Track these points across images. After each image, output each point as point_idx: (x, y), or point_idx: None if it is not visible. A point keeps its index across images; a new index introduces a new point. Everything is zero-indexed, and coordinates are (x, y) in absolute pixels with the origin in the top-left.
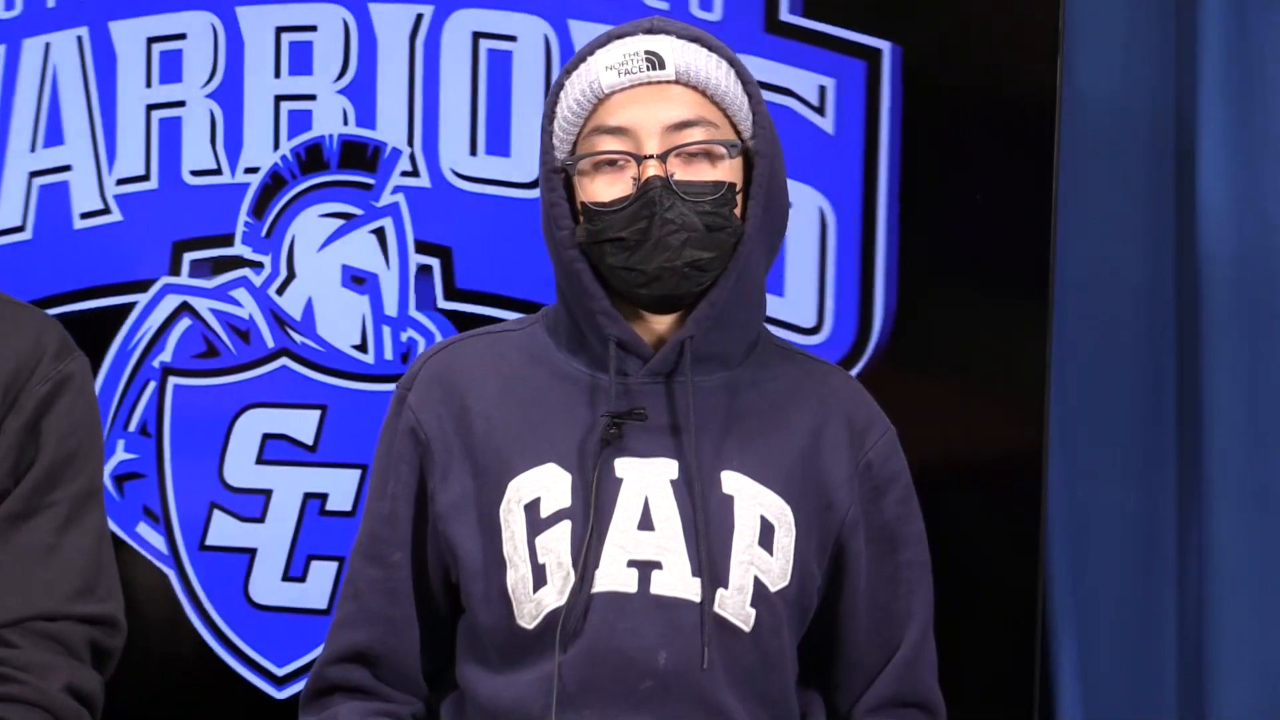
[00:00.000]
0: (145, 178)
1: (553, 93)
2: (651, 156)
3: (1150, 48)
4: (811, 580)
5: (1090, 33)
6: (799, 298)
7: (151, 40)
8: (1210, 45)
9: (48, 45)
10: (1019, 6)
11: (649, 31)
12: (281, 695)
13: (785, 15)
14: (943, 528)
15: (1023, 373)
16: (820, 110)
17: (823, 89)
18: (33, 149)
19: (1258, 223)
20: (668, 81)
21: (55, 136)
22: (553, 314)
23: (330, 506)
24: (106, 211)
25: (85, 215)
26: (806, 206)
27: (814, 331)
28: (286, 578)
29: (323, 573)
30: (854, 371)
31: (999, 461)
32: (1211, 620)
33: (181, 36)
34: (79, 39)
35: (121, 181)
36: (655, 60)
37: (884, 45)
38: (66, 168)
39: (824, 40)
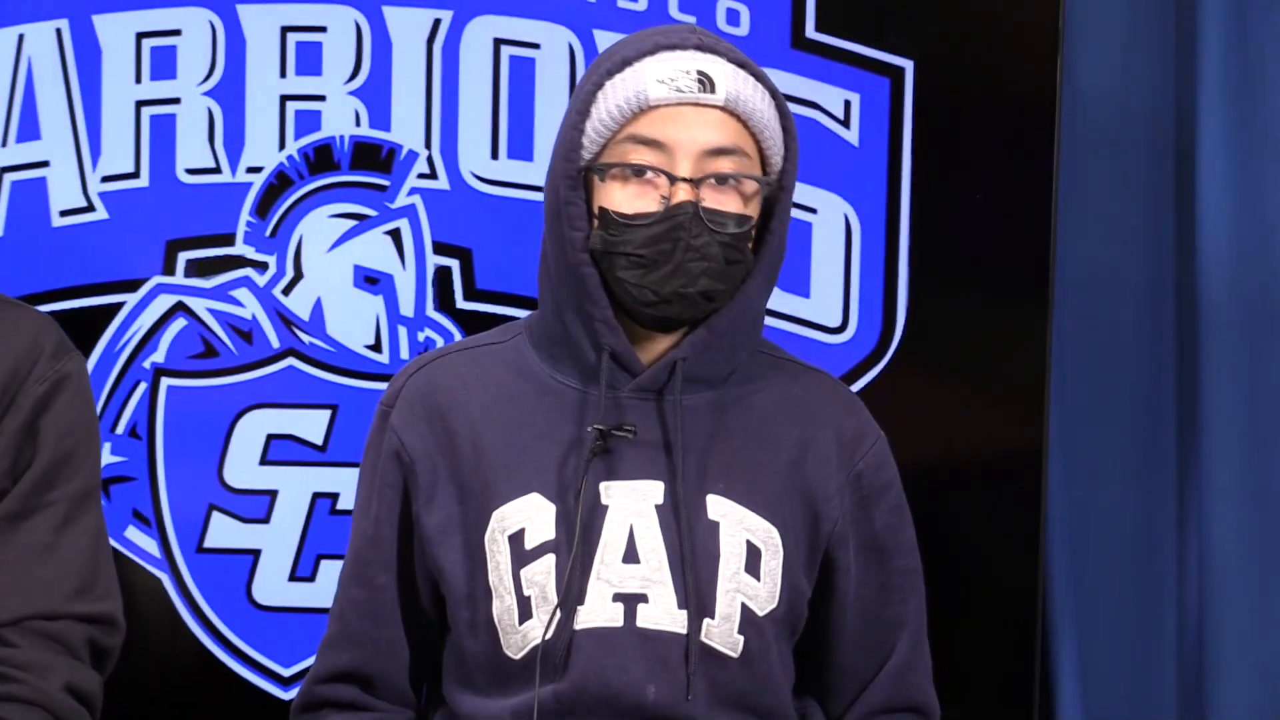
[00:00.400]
0: (135, 175)
1: (588, 91)
2: (687, 180)
3: (1150, 48)
4: (801, 596)
5: (1090, 33)
6: (825, 299)
7: (141, 35)
8: (1210, 45)
9: (21, 36)
10: (1019, 7)
11: (699, 48)
12: (288, 695)
13: (811, 33)
14: (943, 528)
15: (1023, 373)
16: (845, 123)
17: (848, 103)
18: (4, 144)
19: (1257, 223)
20: (715, 106)
21: (30, 131)
22: (538, 325)
23: (342, 505)
24: (90, 209)
25: (65, 213)
26: (832, 213)
27: (839, 331)
28: (294, 578)
29: (334, 572)
30: (875, 370)
31: (999, 461)
32: (1211, 620)
33: (175, 33)
34: (57, 31)
35: (107, 179)
36: (707, 82)
37: (907, 64)
38: (43, 163)
39: (849, 57)
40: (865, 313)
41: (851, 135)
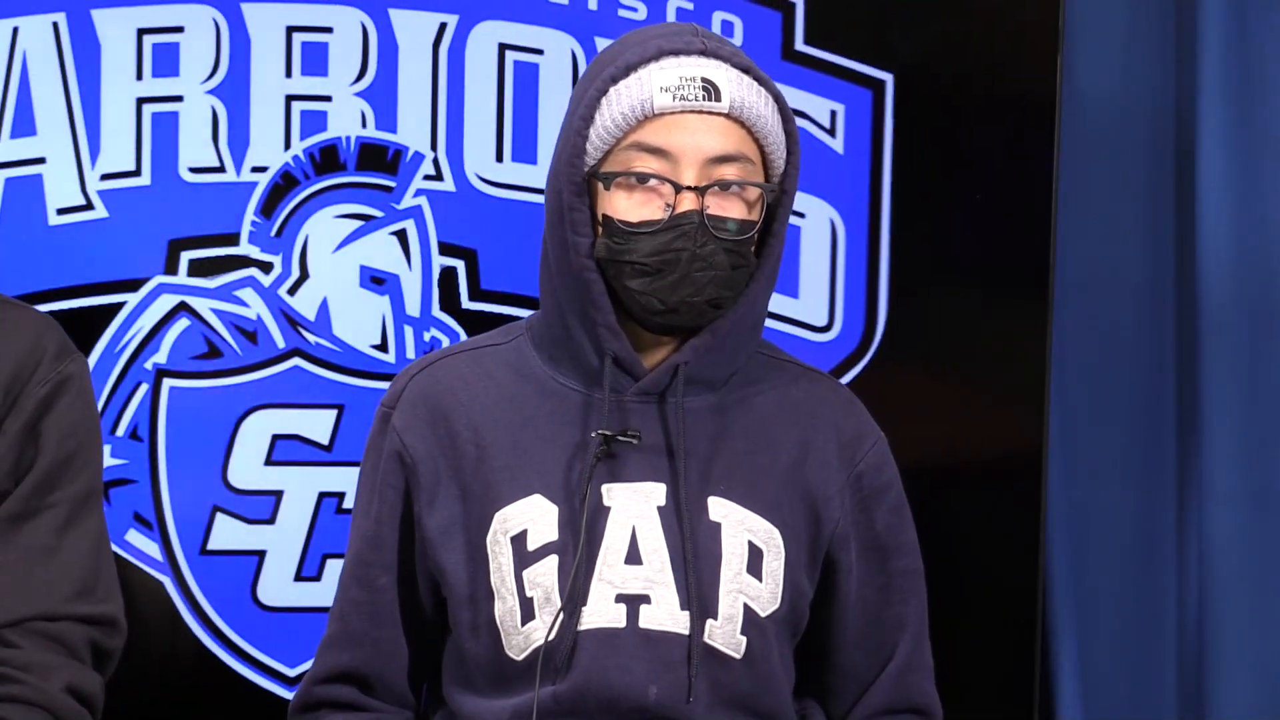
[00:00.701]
0: (136, 173)
1: (591, 97)
2: (692, 189)
3: (1150, 48)
4: (803, 597)
5: (1090, 33)
6: (812, 299)
7: (142, 32)
8: (1210, 45)
9: (15, 30)
10: (1019, 7)
11: (703, 53)
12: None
13: (800, 45)
14: (943, 528)
15: (1023, 373)
16: (831, 132)
17: (834, 113)
18: None
19: (1257, 222)
20: (719, 114)
21: (26, 127)
22: (539, 326)
23: (348, 505)
24: (89, 208)
25: (63, 211)
26: (819, 217)
27: (825, 330)
28: (299, 578)
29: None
30: (858, 368)
31: (999, 461)
32: (1211, 620)
33: (178, 30)
34: (54, 25)
35: (107, 177)
36: (712, 90)
37: (887, 77)
38: (39, 160)
39: (835, 70)
40: (849, 312)
41: (837, 144)
